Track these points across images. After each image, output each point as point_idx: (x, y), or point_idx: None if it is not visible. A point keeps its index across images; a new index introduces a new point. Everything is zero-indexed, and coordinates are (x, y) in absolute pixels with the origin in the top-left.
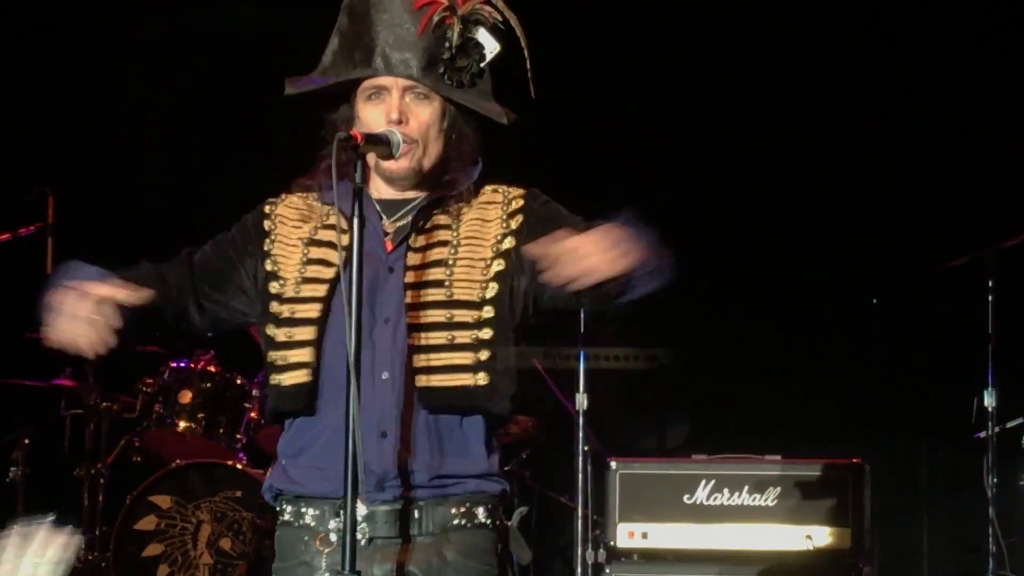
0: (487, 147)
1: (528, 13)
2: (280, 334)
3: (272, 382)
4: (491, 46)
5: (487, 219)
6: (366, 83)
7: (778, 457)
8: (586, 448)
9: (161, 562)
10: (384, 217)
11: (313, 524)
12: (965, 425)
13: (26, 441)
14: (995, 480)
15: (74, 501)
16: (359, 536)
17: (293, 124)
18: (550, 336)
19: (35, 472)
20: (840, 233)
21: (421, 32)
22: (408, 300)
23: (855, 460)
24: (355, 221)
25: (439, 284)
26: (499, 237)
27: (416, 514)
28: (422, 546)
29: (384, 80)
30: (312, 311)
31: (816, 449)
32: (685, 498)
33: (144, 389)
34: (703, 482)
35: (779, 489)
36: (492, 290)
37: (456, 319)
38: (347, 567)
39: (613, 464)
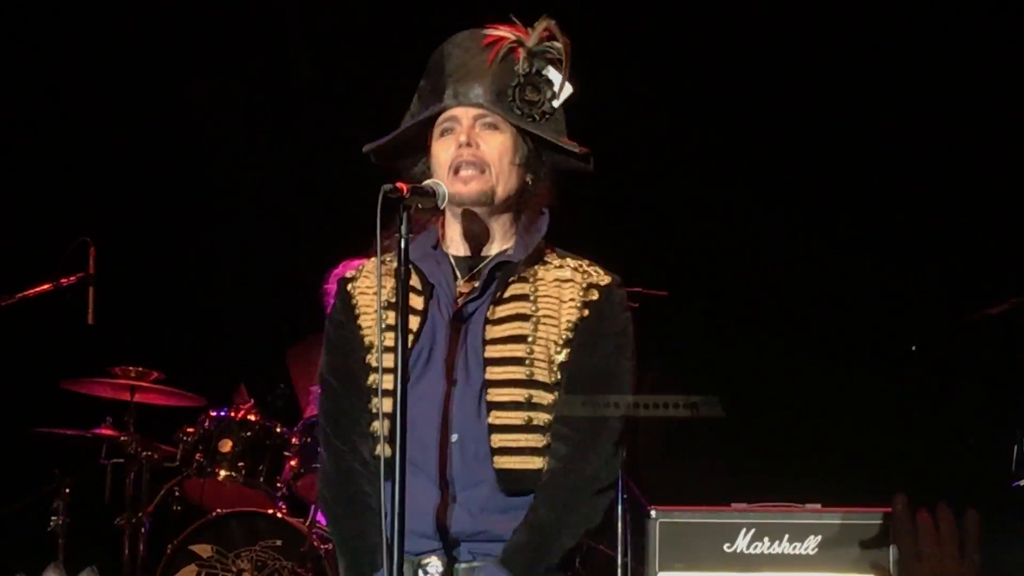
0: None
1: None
2: (372, 405)
3: (376, 452)
4: (559, 83)
5: (563, 299)
6: (439, 121)
7: (818, 505)
8: (625, 496)
9: None
10: (459, 276)
11: None
12: (1006, 473)
13: (67, 490)
14: None
15: (115, 550)
16: None
17: (337, 177)
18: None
19: (76, 521)
20: (880, 279)
21: (490, 64)
22: (488, 376)
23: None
24: (401, 270)
25: (520, 362)
26: (569, 325)
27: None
28: None
29: (454, 111)
30: (389, 382)
31: (857, 497)
32: (725, 547)
33: (184, 438)
34: (743, 530)
35: (820, 537)
36: (558, 375)
37: (534, 400)
38: None
39: (653, 513)
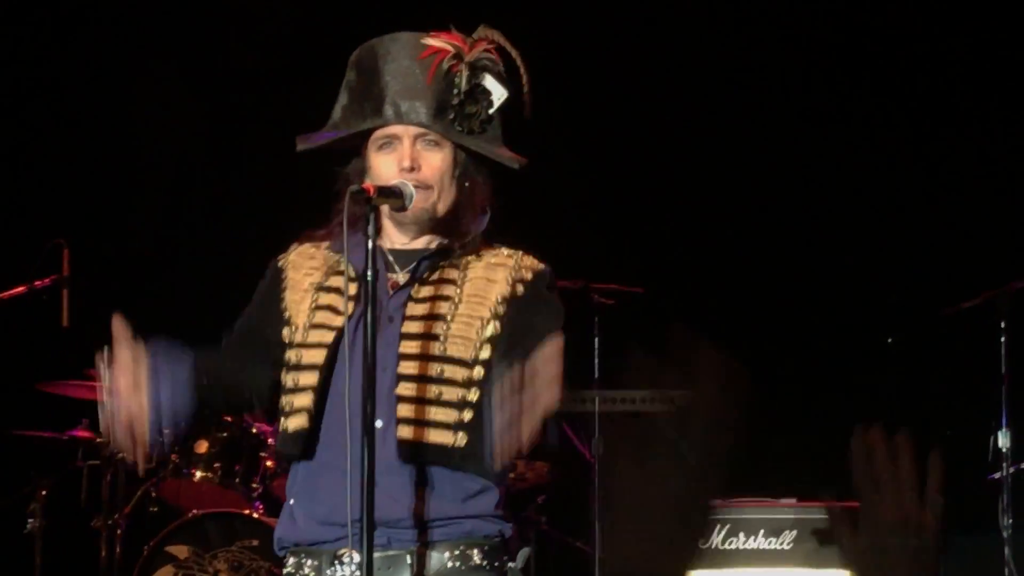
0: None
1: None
2: (288, 379)
3: (280, 427)
4: (499, 92)
5: (492, 279)
6: (377, 133)
7: (793, 500)
8: (602, 493)
9: None
10: (397, 268)
11: (311, 574)
12: (980, 466)
13: (43, 493)
14: (1010, 520)
15: (91, 552)
16: None
17: (308, 176)
18: (565, 380)
19: (52, 524)
20: (855, 273)
21: (430, 80)
22: (402, 350)
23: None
24: (369, 274)
25: (435, 337)
26: (499, 299)
27: (408, 559)
28: None
29: (395, 129)
30: (317, 357)
31: (832, 492)
32: (700, 542)
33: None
34: (718, 527)
35: (795, 532)
36: (485, 351)
37: (446, 375)
38: None
39: None
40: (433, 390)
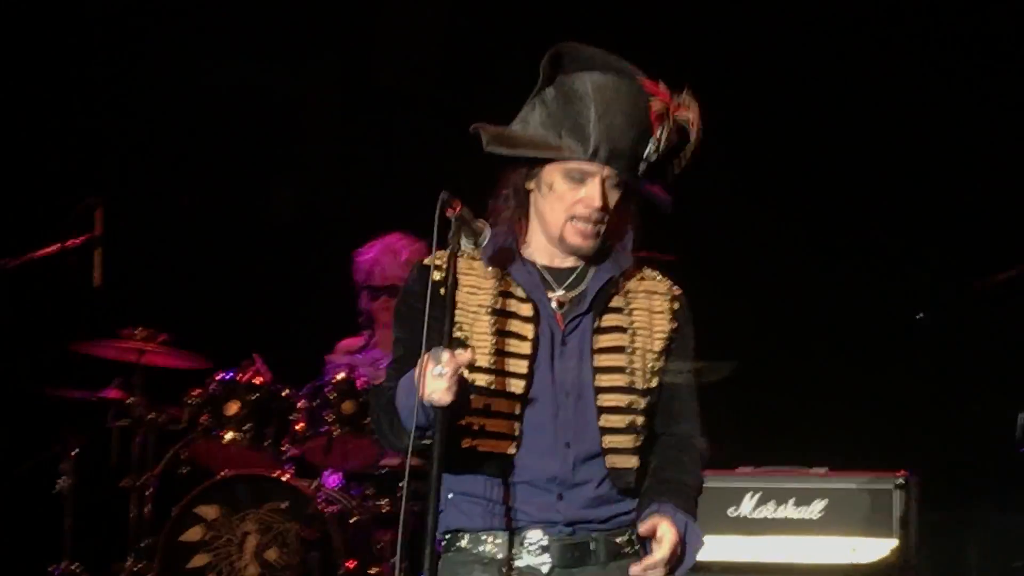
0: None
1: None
2: (477, 402)
3: (464, 444)
4: (684, 149)
5: (654, 310)
6: (573, 164)
7: (824, 470)
8: None
9: (207, 573)
10: (555, 286)
11: (494, 551)
12: (1013, 440)
13: (73, 452)
14: None
15: (121, 512)
16: (542, 566)
17: (353, 151)
18: None
19: (82, 483)
20: (886, 246)
21: (638, 133)
22: (599, 384)
23: (902, 473)
24: (449, 280)
25: (621, 371)
26: (664, 336)
27: (592, 546)
28: (596, 573)
29: (591, 167)
30: (516, 387)
31: (863, 462)
32: (730, 511)
33: (190, 401)
34: (749, 494)
35: (825, 502)
36: (655, 382)
37: (634, 405)
38: None
39: None
40: (628, 419)
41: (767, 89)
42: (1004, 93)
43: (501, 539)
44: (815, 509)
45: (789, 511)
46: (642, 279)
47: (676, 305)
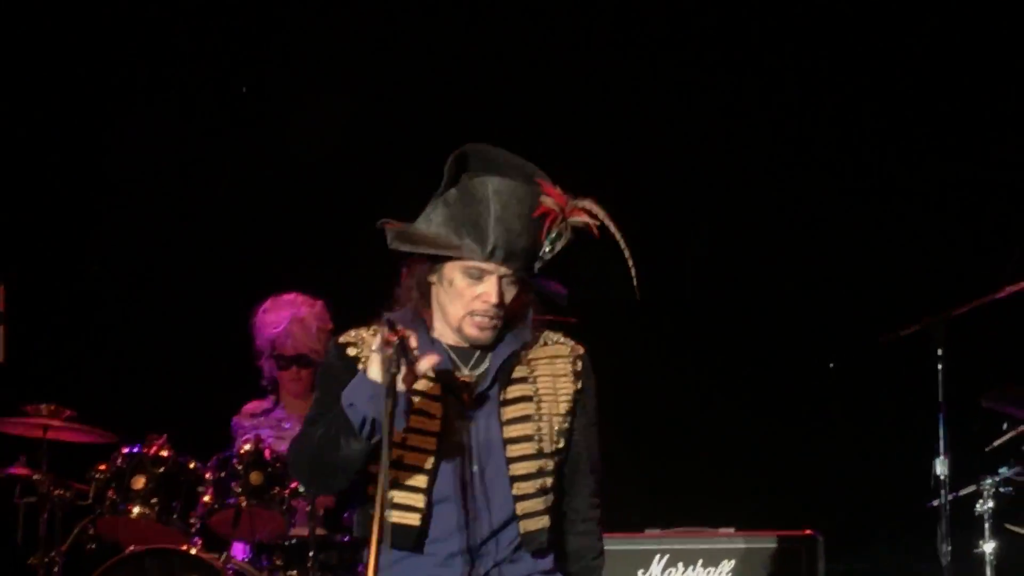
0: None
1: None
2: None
3: (391, 518)
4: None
5: (557, 374)
6: (470, 263)
7: (732, 530)
8: None
9: None
10: (460, 365)
11: None
12: (920, 493)
13: None
14: (950, 548)
15: None
16: None
17: (254, 213)
18: None
19: None
20: (796, 299)
21: (532, 235)
22: (509, 454)
23: (808, 532)
24: (390, 405)
25: (530, 439)
26: (568, 398)
27: None
28: None
29: (489, 266)
30: (423, 462)
31: (770, 521)
32: (640, 573)
33: (97, 476)
34: (657, 556)
35: (734, 562)
36: (562, 442)
37: (543, 469)
38: None
39: None
40: (539, 484)
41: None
42: (919, 151)
43: None
44: (723, 570)
45: (698, 572)
46: (545, 344)
47: (579, 365)
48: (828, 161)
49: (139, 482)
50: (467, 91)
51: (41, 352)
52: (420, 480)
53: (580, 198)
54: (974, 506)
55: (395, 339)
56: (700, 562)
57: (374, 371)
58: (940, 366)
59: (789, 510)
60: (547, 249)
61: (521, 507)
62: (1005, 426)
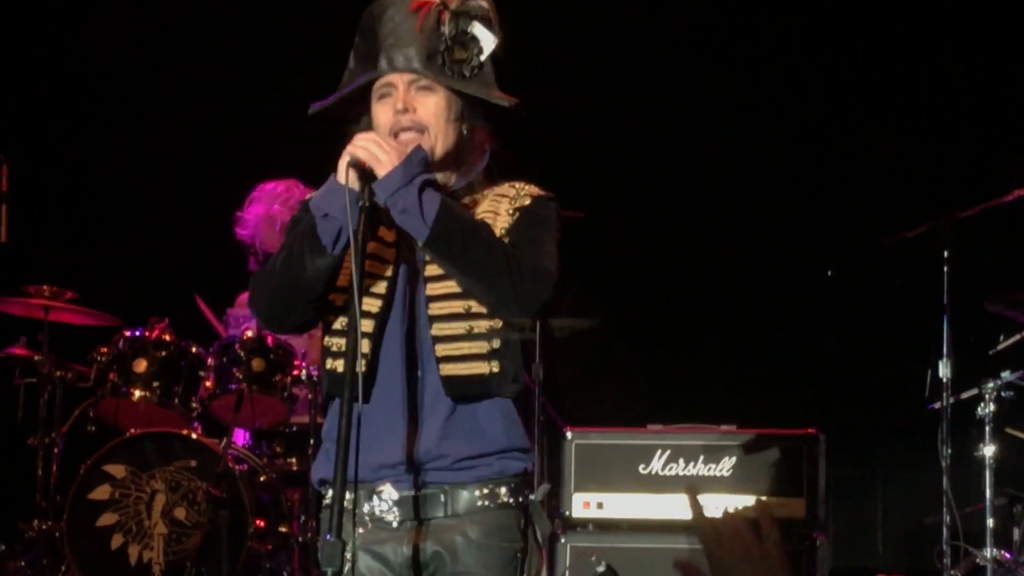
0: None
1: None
2: (337, 322)
3: (327, 366)
4: (487, 39)
5: (497, 212)
6: (376, 85)
7: (733, 427)
8: (541, 418)
9: (115, 531)
10: None
11: (348, 507)
12: (920, 396)
13: None
14: (950, 451)
15: (28, 470)
16: (391, 518)
17: (251, 102)
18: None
19: None
20: (795, 204)
21: (419, 29)
22: (428, 292)
23: (810, 430)
24: (351, 229)
25: (449, 276)
26: (503, 231)
27: (442, 497)
28: (448, 527)
29: (390, 77)
30: (373, 306)
31: (772, 420)
32: (640, 468)
33: (98, 358)
34: (658, 452)
35: (734, 459)
36: None
37: (473, 309)
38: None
39: (569, 434)
40: (464, 326)
41: (666, 48)
42: (919, 59)
43: (351, 493)
44: (724, 466)
45: (699, 468)
46: (494, 191)
47: (526, 201)
48: (833, 58)
49: (140, 365)
50: None
51: (44, 232)
52: (367, 325)
53: None
54: (975, 409)
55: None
56: (701, 458)
57: (344, 176)
58: (946, 268)
59: (791, 410)
60: (446, 43)
61: (441, 349)
62: (1002, 337)
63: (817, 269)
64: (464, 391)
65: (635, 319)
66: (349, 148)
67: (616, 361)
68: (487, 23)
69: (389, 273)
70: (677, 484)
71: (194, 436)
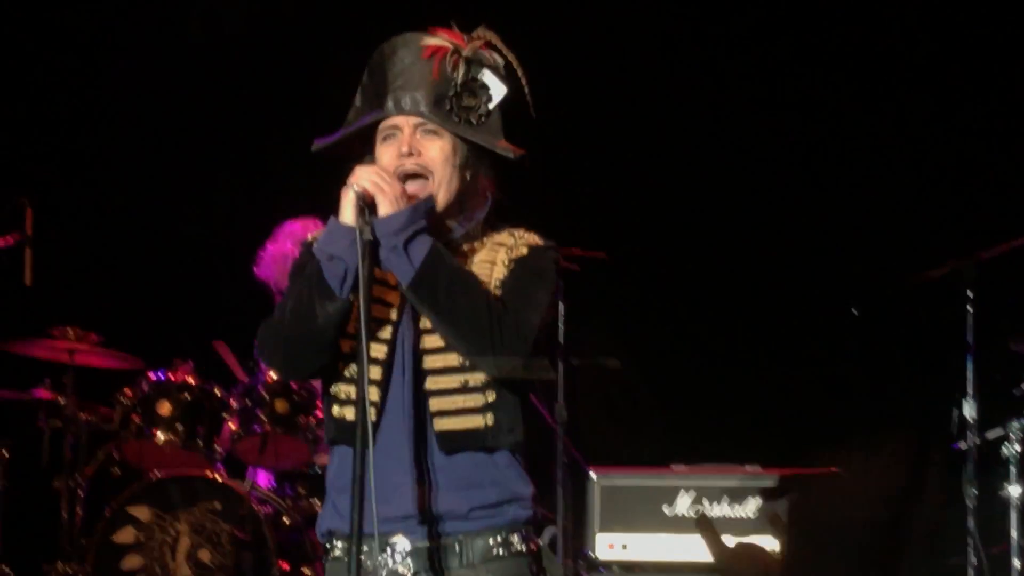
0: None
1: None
2: (345, 369)
3: (334, 413)
4: (497, 88)
5: (494, 262)
6: (382, 126)
7: (758, 467)
8: (565, 459)
9: (139, 574)
10: None
11: (363, 560)
12: (945, 436)
13: (4, 453)
14: (975, 491)
15: (53, 513)
16: (404, 570)
17: (273, 142)
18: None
19: (13, 484)
20: (820, 242)
21: (430, 75)
22: (424, 345)
23: (833, 470)
24: (361, 296)
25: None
26: (497, 283)
27: (457, 547)
28: None
29: (396, 120)
30: (379, 352)
31: (796, 459)
32: (665, 509)
33: (123, 400)
34: (682, 493)
35: (759, 499)
36: None
37: (468, 362)
38: None
39: (593, 475)
40: (459, 380)
41: (709, 90)
42: (948, 92)
43: (365, 545)
44: (749, 507)
45: (723, 509)
46: (492, 239)
47: (523, 251)
48: (857, 97)
49: (164, 408)
50: None
51: (69, 275)
52: (375, 372)
53: (480, 32)
54: (1000, 449)
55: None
56: (725, 498)
57: (348, 214)
58: (970, 308)
59: (815, 449)
60: (456, 89)
61: (435, 403)
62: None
63: (841, 308)
64: (458, 446)
65: (657, 358)
66: (352, 180)
67: (639, 400)
68: (497, 72)
69: (394, 317)
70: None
71: (218, 478)
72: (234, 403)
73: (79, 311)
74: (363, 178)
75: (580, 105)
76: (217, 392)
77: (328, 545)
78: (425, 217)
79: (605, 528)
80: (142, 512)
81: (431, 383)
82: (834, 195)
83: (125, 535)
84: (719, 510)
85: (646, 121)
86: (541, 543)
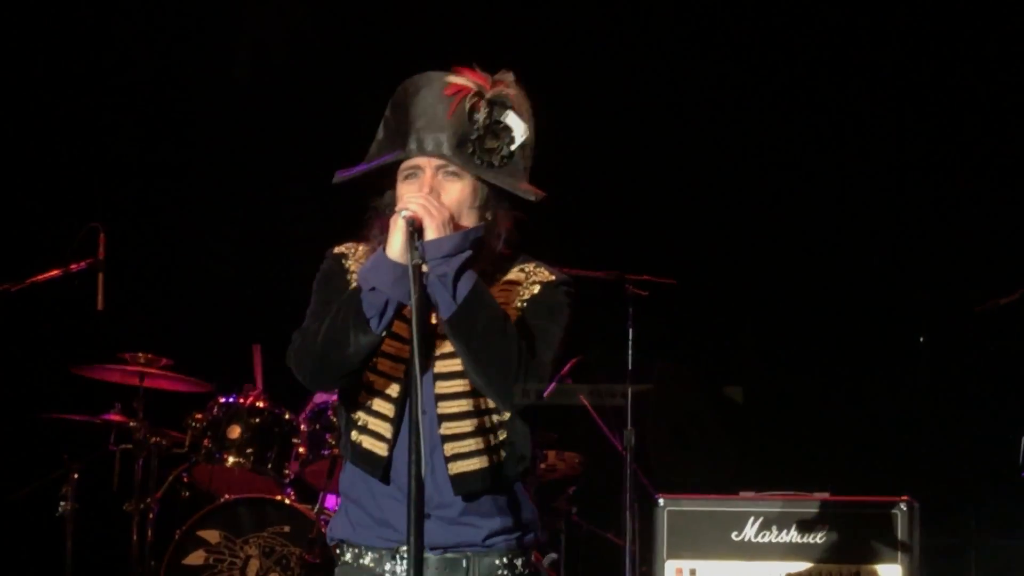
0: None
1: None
2: (362, 396)
3: (352, 438)
4: (520, 129)
5: (508, 303)
6: (403, 165)
7: (826, 494)
8: (632, 484)
9: None
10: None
11: (372, 566)
12: (1014, 465)
13: (75, 476)
14: None
15: (123, 536)
16: None
17: (338, 165)
18: (599, 372)
19: (84, 507)
20: (888, 270)
21: (451, 115)
22: (438, 391)
23: (904, 497)
24: (413, 324)
25: (462, 375)
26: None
27: (464, 563)
28: None
29: (418, 160)
30: (393, 390)
31: (864, 487)
32: (733, 535)
33: (193, 424)
34: (751, 519)
35: (827, 527)
36: None
37: (483, 406)
38: None
39: (661, 501)
40: (474, 423)
41: (773, 115)
42: (1015, 120)
43: (375, 553)
44: (817, 534)
45: (792, 536)
46: (511, 276)
47: (535, 289)
48: (925, 123)
49: (234, 432)
50: None
51: (140, 300)
52: (387, 408)
53: (502, 74)
54: None
55: (424, 208)
56: (794, 526)
57: (396, 251)
58: None
59: (884, 478)
60: (476, 129)
61: (449, 448)
62: None
63: (910, 335)
64: (471, 488)
65: (726, 385)
66: (400, 205)
67: (707, 427)
68: (520, 113)
69: (405, 354)
70: (770, 552)
71: (287, 501)
72: (303, 427)
73: (150, 336)
74: (412, 202)
75: (654, 134)
76: (287, 416)
77: (338, 551)
78: (472, 246)
79: (672, 554)
80: (212, 535)
81: (445, 428)
82: (903, 222)
83: (195, 558)
84: (788, 536)
85: (720, 151)
86: (543, 564)
